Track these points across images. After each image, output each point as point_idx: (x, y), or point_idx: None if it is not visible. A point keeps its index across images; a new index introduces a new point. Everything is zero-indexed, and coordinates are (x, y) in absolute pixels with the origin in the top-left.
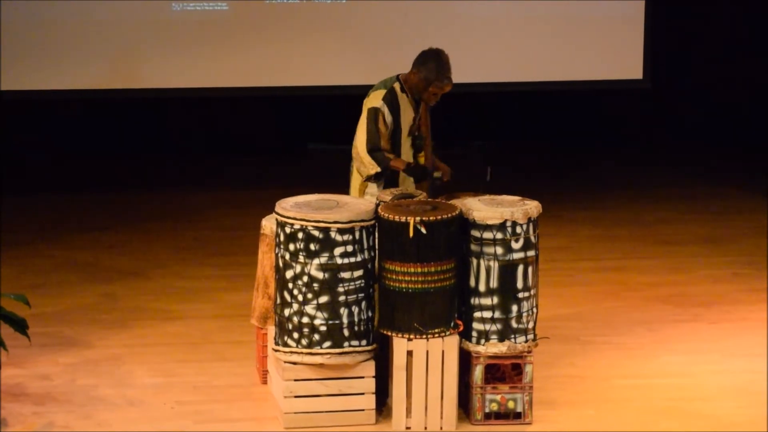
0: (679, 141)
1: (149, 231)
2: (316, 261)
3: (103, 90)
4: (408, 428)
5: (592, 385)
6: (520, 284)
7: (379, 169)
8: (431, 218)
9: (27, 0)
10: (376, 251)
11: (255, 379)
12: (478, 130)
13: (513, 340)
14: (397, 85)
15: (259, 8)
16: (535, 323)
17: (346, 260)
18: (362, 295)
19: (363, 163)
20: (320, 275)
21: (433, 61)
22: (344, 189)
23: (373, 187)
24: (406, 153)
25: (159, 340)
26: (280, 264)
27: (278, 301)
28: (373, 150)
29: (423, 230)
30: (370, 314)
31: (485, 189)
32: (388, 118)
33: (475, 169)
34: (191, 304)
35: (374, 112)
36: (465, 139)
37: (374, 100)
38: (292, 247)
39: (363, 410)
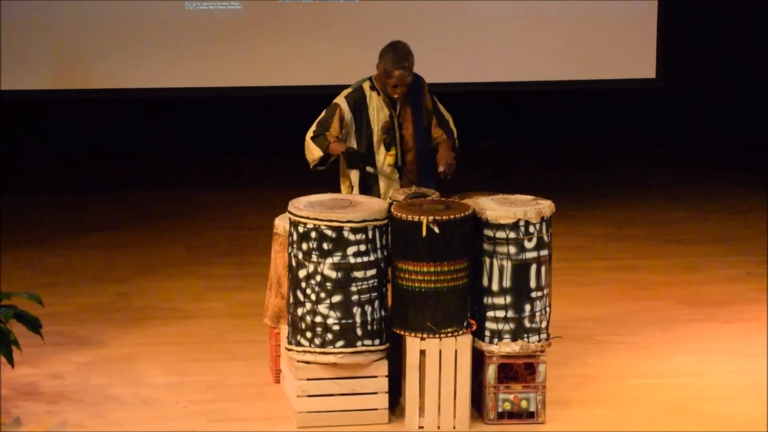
0: (692, 140)
1: (162, 230)
2: (329, 260)
3: (117, 89)
4: (421, 428)
5: (605, 384)
6: (533, 284)
7: (321, 153)
8: (444, 218)
9: (32, 0)
10: (389, 250)
11: (268, 379)
12: (490, 129)
13: (526, 339)
14: (366, 84)
15: (272, 8)
16: (548, 323)
17: (359, 259)
18: (375, 294)
19: (308, 148)
20: (333, 274)
21: (390, 51)
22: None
23: (354, 184)
24: (382, 152)
25: (172, 339)
26: (293, 263)
27: (291, 300)
28: (315, 136)
29: (436, 230)
30: (383, 313)
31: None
32: (347, 115)
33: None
34: (204, 303)
35: (332, 107)
36: (476, 138)
37: (338, 97)
38: (305, 246)
39: (376, 409)
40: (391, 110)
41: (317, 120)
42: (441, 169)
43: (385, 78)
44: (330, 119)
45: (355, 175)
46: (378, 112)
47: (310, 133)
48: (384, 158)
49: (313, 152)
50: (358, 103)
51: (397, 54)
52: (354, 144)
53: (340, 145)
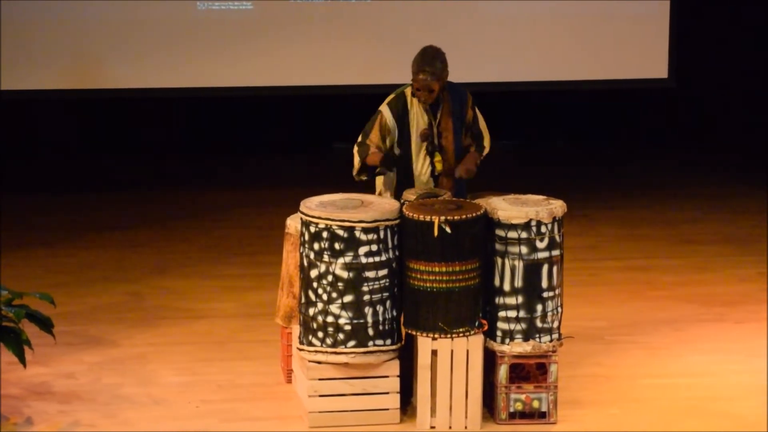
0: (704, 140)
1: (174, 230)
2: (340, 260)
3: (128, 89)
4: (432, 427)
5: (617, 384)
6: (544, 284)
7: (360, 162)
8: (456, 218)
9: (43, 0)
10: (401, 250)
11: (279, 378)
12: (501, 129)
13: (538, 339)
14: (408, 90)
15: (283, 8)
16: (559, 323)
17: (370, 259)
18: (387, 294)
19: (354, 156)
20: (345, 274)
21: (418, 55)
22: (369, 188)
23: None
24: (421, 159)
25: (184, 338)
26: (305, 263)
27: (303, 300)
28: (359, 144)
29: (448, 230)
30: (394, 313)
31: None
32: (390, 122)
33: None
34: (216, 303)
35: (376, 114)
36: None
37: (382, 104)
38: (316, 246)
39: (387, 409)
40: (431, 118)
41: (363, 128)
42: (458, 173)
43: (412, 81)
44: (371, 127)
45: (390, 183)
46: (418, 119)
47: (357, 140)
48: (424, 166)
49: (354, 160)
50: (401, 109)
51: (423, 58)
52: (396, 151)
53: (377, 155)
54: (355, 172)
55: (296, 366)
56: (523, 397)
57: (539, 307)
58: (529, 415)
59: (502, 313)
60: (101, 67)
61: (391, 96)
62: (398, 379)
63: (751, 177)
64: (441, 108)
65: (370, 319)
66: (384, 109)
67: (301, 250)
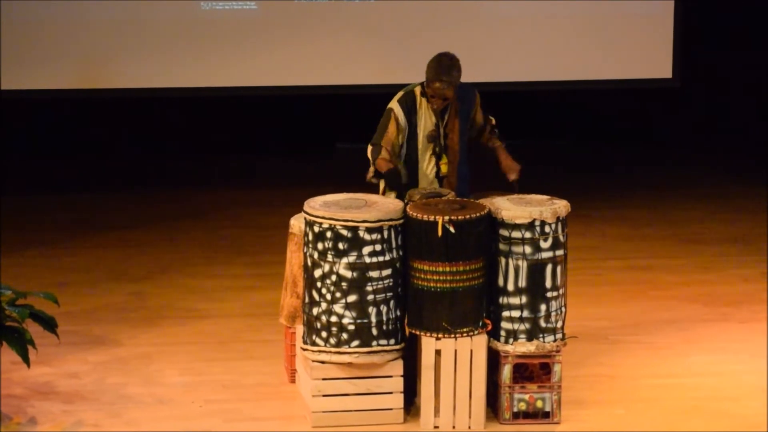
0: (708, 140)
1: (177, 230)
2: (344, 260)
3: (131, 89)
4: (436, 427)
5: (621, 384)
6: (548, 283)
7: (372, 164)
8: (460, 217)
9: (43, 0)
10: (405, 250)
11: (283, 378)
12: (505, 129)
13: (541, 339)
14: (417, 89)
15: (288, 7)
16: (563, 322)
17: (374, 259)
18: (390, 294)
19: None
20: (349, 274)
21: (434, 62)
22: (372, 188)
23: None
24: (427, 159)
25: (188, 338)
26: (309, 263)
27: (306, 300)
28: (372, 144)
29: (451, 229)
30: (398, 313)
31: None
32: (402, 119)
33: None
34: (219, 303)
35: (387, 112)
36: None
37: (392, 101)
38: (320, 246)
39: (391, 409)
40: (438, 119)
41: (378, 127)
42: (513, 177)
43: (426, 87)
44: (386, 125)
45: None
46: (426, 120)
47: (372, 140)
48: (430, 166)
49: (370, 160)
50: (411, 107)
51: (439, 67)
52: (404, 149)
53: (386, 164)
54: (369, 175)
55: (300, 366)
56: (526, 397)
57: (543, 307)
58: (533, 415)
59: (505, 313)
60: (103, 67)
61: (401, 93)
62: (402, 379)
63: (755, 176)
64: (449, 109)
65: (373, 319)
66: (395, 106)
67: (305, 250)
